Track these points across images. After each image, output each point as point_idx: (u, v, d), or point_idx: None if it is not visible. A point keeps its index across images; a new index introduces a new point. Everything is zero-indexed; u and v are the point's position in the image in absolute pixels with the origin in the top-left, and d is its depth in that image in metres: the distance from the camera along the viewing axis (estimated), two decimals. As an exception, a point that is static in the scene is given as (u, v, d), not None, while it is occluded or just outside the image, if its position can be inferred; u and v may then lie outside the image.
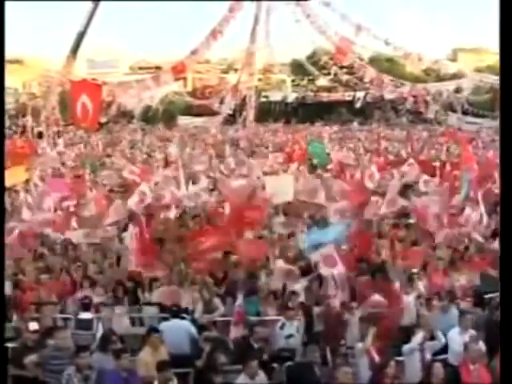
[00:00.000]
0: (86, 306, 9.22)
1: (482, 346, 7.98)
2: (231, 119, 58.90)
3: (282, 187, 14.36)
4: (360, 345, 8.21)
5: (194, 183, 17.39)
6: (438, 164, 20.68)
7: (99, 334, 8.59)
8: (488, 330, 8.69)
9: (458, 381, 7.39)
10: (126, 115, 56.95)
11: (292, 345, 8.77)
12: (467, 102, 53.77)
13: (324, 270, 10.40)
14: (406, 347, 8.12)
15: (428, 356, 8.04)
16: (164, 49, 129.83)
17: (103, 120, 46.41)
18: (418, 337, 8.13)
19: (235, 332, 8.98)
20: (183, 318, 9.12)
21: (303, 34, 53.03)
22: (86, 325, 8.76)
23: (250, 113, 58.33)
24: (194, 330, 8.91)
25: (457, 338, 8.21)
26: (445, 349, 8.41)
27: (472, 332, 8.27)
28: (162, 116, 58.70)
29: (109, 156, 29.65)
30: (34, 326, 8.35)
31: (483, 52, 79.82)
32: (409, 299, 9.78)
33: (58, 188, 16.34)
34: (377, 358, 7.90)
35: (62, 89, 45.69)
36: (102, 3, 47.80)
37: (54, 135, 42.74)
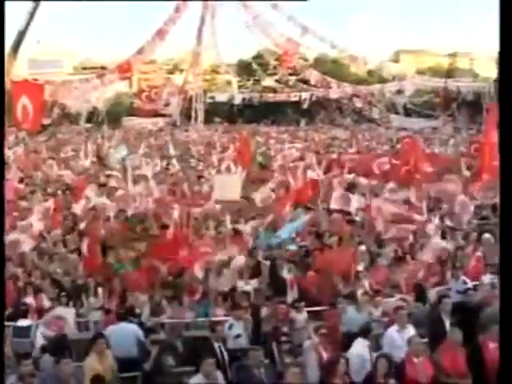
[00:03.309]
0: (23, 313, 8.97)
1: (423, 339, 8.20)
2: (178, 120, 58.50)
3: (230, 186, 14.41)
4: (308, 342, 8.30)
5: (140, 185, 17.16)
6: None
7: (39, 341, 8.40)
8: (430, 324, 8.95)
9: (401, 375, 7.54)
10: (69, 116, 55.71)
11: (241, 345, 8.79)
12: (410, 103, 55.21)
13: None
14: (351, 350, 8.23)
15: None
16: (108, 49, 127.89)
17: (46, 121, 45.23)
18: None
19: None
20: (130, 322, 9.03)
21: (249, 35, 53.32)
22: (24, 332, 8.52)
23: (198, 113, 58.10)
24: (141, 333, 8.83)
25: (395, 335, 8.36)
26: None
27: (410, 327, 8.48)
28: (107, 117, 57.74)
29: (52, 158, 28.91)
30: None
31: (424, 54, 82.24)
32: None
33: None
34: (324, 356, 8.01)
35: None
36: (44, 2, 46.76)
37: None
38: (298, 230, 12.78)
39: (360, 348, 8.11)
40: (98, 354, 7.82)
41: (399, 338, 8.24)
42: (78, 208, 14.63)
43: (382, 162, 19.69)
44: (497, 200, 15.03)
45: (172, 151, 27.42)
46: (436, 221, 13.81)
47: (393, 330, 8.45)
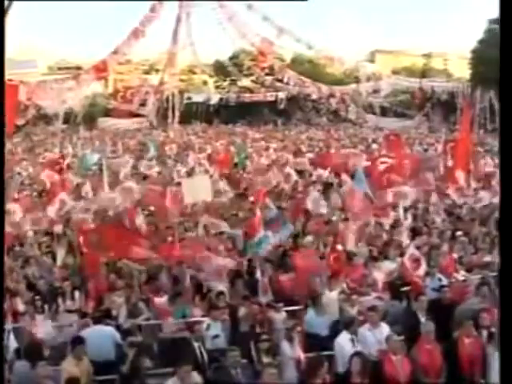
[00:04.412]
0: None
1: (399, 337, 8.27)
2: (154, 120, 58.16)
3: (200, 188, 14.31)
4: (286, 343, 8.31)
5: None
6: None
7: (12, 345, 8.29)
8: (406, 321, 9.04)
9: (378, 373, 7.61)
10: (44, 117, 55.01)
11: (219, 345, 8.78)
12: (386, 103, 55.65)
13: None
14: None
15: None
16: (84, 49, 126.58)
17: (20, 122, 44.60)
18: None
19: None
20: (107, 324, 8.97)
21: (225, 35, 53.13)
22: None
23: (175, 114, 57.80)
24: (118, 335, 8.77)
25: (367, 334, 8.43)
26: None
27: (383, 325, 8.55)
28: (83, 118, 57.12)
29: (25, 160, 28.61)
30: None
31: (400, 54, 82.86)
32: (331, 295, 10.00)
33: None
34: (302, 356, 8.05)
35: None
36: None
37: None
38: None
39: (344, 341, 8.19)
40: (75, 358, 7.77)
41: (371, 336, 8.32)
42: (52, 211, 14.40)
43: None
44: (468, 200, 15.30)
45: (152, 152, 27.25)
46: (409, 219, 13.97)
47: (364, 329, 8.52)
